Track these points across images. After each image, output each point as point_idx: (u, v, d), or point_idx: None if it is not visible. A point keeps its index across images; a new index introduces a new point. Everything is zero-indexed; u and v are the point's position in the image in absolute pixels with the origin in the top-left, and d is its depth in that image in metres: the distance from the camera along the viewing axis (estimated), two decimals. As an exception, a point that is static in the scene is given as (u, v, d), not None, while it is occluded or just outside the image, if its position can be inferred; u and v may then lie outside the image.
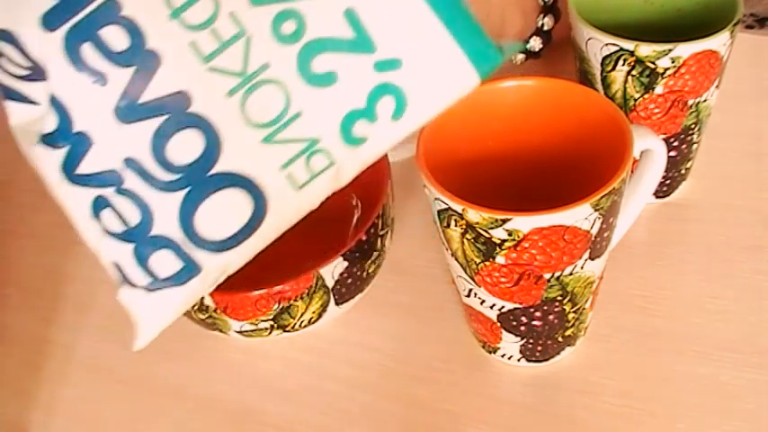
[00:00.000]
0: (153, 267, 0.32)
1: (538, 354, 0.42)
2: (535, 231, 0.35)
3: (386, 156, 0.46)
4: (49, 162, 0.31)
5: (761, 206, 0.49)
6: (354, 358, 0.44)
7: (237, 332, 0.43)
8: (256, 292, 0.40)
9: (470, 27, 0.31)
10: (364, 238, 0.42)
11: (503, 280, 0.37)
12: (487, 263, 0.37)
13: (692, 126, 0.47)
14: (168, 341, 0.47)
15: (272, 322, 0.42)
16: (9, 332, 0.49)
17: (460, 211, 0.35)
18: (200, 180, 0.30)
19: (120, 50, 0.28)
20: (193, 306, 0.42)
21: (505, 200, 0.37)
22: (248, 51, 0.29)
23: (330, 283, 0.42)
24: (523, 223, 0.34)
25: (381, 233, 0.44)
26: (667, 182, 0.49)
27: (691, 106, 0.45)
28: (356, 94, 0.31)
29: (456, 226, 0.36)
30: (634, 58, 0.43)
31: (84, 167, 0.30)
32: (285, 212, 0.32)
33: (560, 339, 0.41)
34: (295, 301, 0.41)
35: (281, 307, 0.41)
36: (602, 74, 0.45)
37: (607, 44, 0.44)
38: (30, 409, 0.45)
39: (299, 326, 0.43)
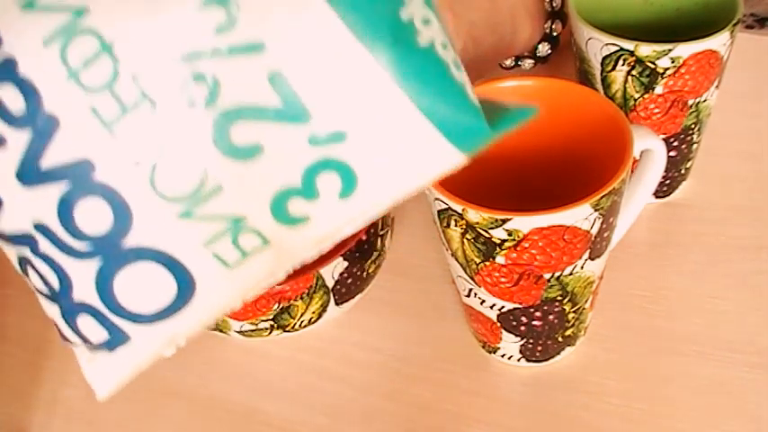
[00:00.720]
0: (81, 331, 0.30)
1: (538, 354, 0.42)
2: (535, 231, 0.35)
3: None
4: None
5: (761, 206, 0.49)
6: (354, 358, 0.44)
7: (237, 332, 0.43)
8: (256, 292, 0.40)
9: (447, 97, 0.26)
10: (364, 238, 0.42)
11: (503, 280, 0.37)
12: (487, 263, 0.37)
13: (692, 126, 0.47)
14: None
15: (272, 322, 0.42)
16: (9, 332, 0.49)
17: (460, 211, 0.35)
18: (113, 251, 0.28)
19: (16, 111, 0.27)
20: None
21: (505, 200, 0.37)
22: (154, 118, 0.26)
23: (330, 283, 0.42)
24: (523, 223, 0.34)
25: (381, 233, 0.44)
26: (667, 182, 0.49)
27: (691, 106, 0.45)
28: (287, 169, 0.27)
29: (456, 226, 0.36)
30: (634, 58, 0.43)
31: (2, 225, 0.29)
32: (222, 289, 0.29)
33: (560, 339, 0.41)
34: (295, 301, 0.41)
35: (281, 307, 0.41)
36: (602, 74, 0.45)
37: (607, 44, 0.44)
38: (30, 409, 0.45)
39: (299, 326, 0.43)
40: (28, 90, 0.26)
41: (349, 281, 0.43)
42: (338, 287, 0.43)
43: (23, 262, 0.30)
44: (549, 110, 0.41)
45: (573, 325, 0.41)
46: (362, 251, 0.43)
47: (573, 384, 0.41)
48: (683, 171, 0.50)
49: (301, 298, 0.41)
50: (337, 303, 0.43)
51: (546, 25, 0.55)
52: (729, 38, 0.44)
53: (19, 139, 0.27)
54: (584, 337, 0.43)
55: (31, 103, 0.26)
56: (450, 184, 0.36)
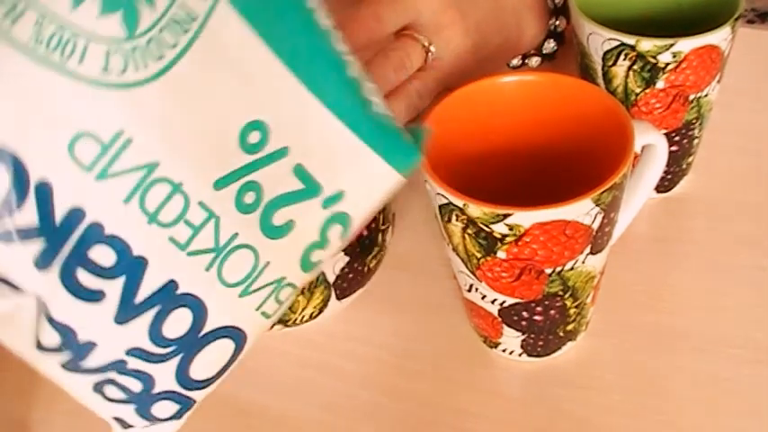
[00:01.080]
0: (154, 414, 0.34)
1: (539, 349, 0.42)
2: (536, 226, 0.35)
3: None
4: (47, 361, 0.32)
5: (762, 201, 0.49)
6: (355, 353, 0.44)
7: (239, 328, 0.43)
8: (257, 288, 0.41)
9: (399, 144, 0.33)
10: (365, 233, 0.42)
11: (504, 275, 0.37)
12: (489, 258, 0.37)
13: (694, 121, 0.47)
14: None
15: (273, 318, 0.42)
16: (10, 328, 0.49)
17: (461, 206, 0.35)
18: (191, 343, 0.32)
19: (110, 266, 0.30)
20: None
21: (507, 195, 0.37)
22: (218, 229, 0.31)
23: (331, 278, 0.42)
24: (524, 218, 0.34)
25: (382, 228, 0.44)
26: (668, 177, 0.49)
27: (692, 101, 0.45)
28: (311, 231, 0.33)
29: (457, 221, 0.36)
30: (635, 53, 0.43)
31: (89, 364, 0.32)
32: (257, 337, 0.35)
33: (561, 334, 0.41)
34: (296, 296, 0.41)
35: (282, 302, 0.41)
36: (603, 69, 0.45)
37: (608, 39, 0.44)
38: (32, 408, 0.45)
39: (301, 321, 0.43)
40: (117, 244, 0.29)
41: (350, 276, 0.43)
42: (339, 282, 0.43)
43: (102, 383, 0.32)
44: (551, 105, 0.41)
45: (574, 320, 0.41)
46: (363, 246, 0.43)
47: (574, 379, 0.41)
48: (684, 166, 0.50)
49: (302, 293, 0.41)
50: (338, 298, 0.43)
51: (550, 22, 0.55)
52: (730, 33, 0.44)
53: (115, 287, 0.30)
54: (585, 332, 0.43)
55: (121, 254, 0.29)
56: (452, 179, 0.36)
